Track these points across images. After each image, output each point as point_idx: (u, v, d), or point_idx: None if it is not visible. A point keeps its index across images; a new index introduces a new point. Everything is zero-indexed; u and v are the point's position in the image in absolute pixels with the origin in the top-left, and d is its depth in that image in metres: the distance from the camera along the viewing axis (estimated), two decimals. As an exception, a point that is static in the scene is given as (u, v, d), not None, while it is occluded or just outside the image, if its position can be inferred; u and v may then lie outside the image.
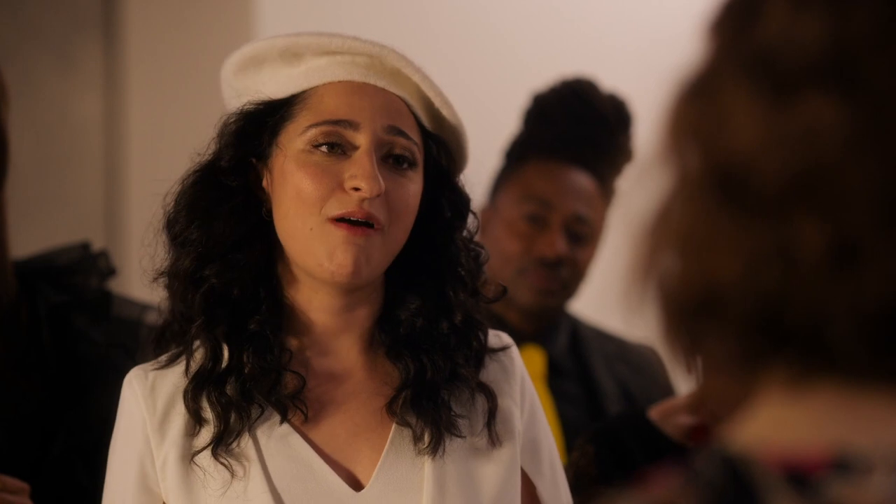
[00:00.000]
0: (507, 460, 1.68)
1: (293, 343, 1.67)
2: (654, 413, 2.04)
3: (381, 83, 1.64)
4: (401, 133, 1.63)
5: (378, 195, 1.59)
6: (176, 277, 1.66)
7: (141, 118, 3.67)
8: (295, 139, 1.63)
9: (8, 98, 2.04)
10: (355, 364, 1.69)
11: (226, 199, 1.66)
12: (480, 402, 1.69)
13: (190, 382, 1.65)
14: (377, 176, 1.59)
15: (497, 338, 1.75)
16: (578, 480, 1.94)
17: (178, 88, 3.65)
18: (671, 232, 0.83)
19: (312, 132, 1.62)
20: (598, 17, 3.98)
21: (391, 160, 1.62)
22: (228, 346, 1.64)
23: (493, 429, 1.68)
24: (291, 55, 1.66)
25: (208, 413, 1.64)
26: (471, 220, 1.73)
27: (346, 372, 1.68)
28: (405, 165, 1.63)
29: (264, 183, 1.66)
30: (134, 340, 2.11)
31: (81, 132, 3.65)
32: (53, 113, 3.61)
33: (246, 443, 1.63)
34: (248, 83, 1.70)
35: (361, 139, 1.61)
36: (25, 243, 2.10)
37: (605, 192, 2.58)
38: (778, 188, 0.79)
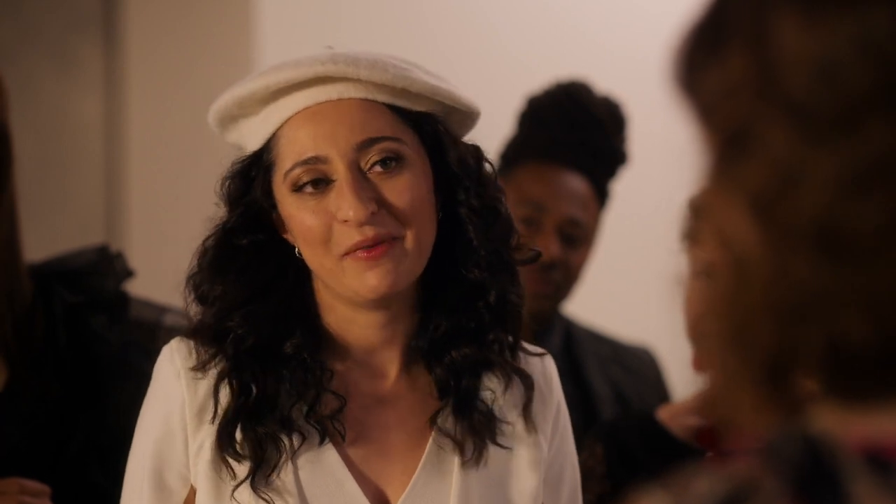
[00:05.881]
0: (532, 489, 1.66)
1: (335, 365, 1.64)
2: (663, 413, 2.05)
3: (334, 95, 1.59)
4: (375, 140, 1.58)
5: (369, 216, 1.55)
6: (202, 332, 1.63)
7: (141, 118, 3.67)
8: (282, 186, 1.61)
9: (7, 98, 2.04)
10: (397, 381, 1.66)
11: (240, 255, 1.63)
12: (517, 388, 1.67)
13: (221, 424, 1.60)
14: (361, 201, 1.55)
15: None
16: (586, 479, 1.95)
17: (178, 88, 3.66)
18: (768, 300, 0.79)
19: (291, 176, 1.59)
20: (593, 20, 3.98)
21: (378, 166, 1.58)
22: (262, 376, 1.61)
23: (530, 416, 1.67)
24: (251, 105, 1.63)
25: (244, 449, 1.59)
26: (486, 174, 1.66)
27: (388, 391, 1.66)
28: (392, 164, 1.58)
29: (286, 226, 1.64)
30: (152, 342, 2.09)
31: (81, 132, 3.66)
32: (53, 113, 3.62)
33: (286, 469, 1.60)
34: (234, 137, 1.68)
35: (336, 168, 1.58)
36: (25, 243, 2.10)
37: (599, 194, 2.58)
38: (876, 231, 0.77)
